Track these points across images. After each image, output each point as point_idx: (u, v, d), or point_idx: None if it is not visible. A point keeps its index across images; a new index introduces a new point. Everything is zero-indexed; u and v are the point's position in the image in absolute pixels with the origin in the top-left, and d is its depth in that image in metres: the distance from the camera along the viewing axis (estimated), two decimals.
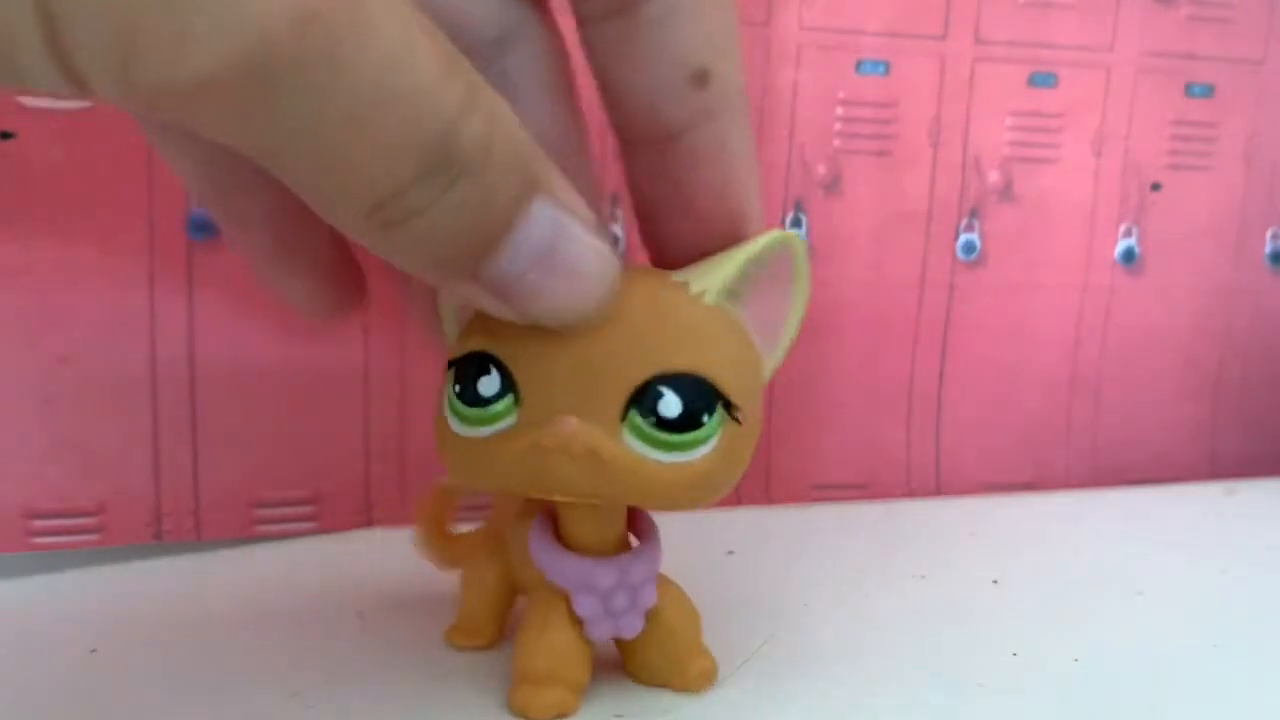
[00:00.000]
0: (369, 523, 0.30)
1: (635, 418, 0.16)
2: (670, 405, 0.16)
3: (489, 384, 0.16)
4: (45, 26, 0.11)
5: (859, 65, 0.32)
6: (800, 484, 0.33)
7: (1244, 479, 0.35)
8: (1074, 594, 0.24)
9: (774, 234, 0.17)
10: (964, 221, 0.33)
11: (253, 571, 0.26)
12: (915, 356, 0.34)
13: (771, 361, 0.18)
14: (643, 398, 0.16)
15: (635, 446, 0.16)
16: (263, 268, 0.20)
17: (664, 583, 0.19)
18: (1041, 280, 0.34)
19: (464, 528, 0.23)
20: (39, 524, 0.27)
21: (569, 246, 0.15)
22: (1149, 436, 0.36)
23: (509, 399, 0.16)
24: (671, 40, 0.16)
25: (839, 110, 0.32)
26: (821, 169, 0.32)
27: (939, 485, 0.34)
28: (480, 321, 0.17)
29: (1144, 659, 0.21)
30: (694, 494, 0.16)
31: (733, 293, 0.17)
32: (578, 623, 0.18)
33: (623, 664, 0.20)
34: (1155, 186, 0.35)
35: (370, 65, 0.12)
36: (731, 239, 0.18)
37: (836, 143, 0.32)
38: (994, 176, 0.33)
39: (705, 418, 0.16)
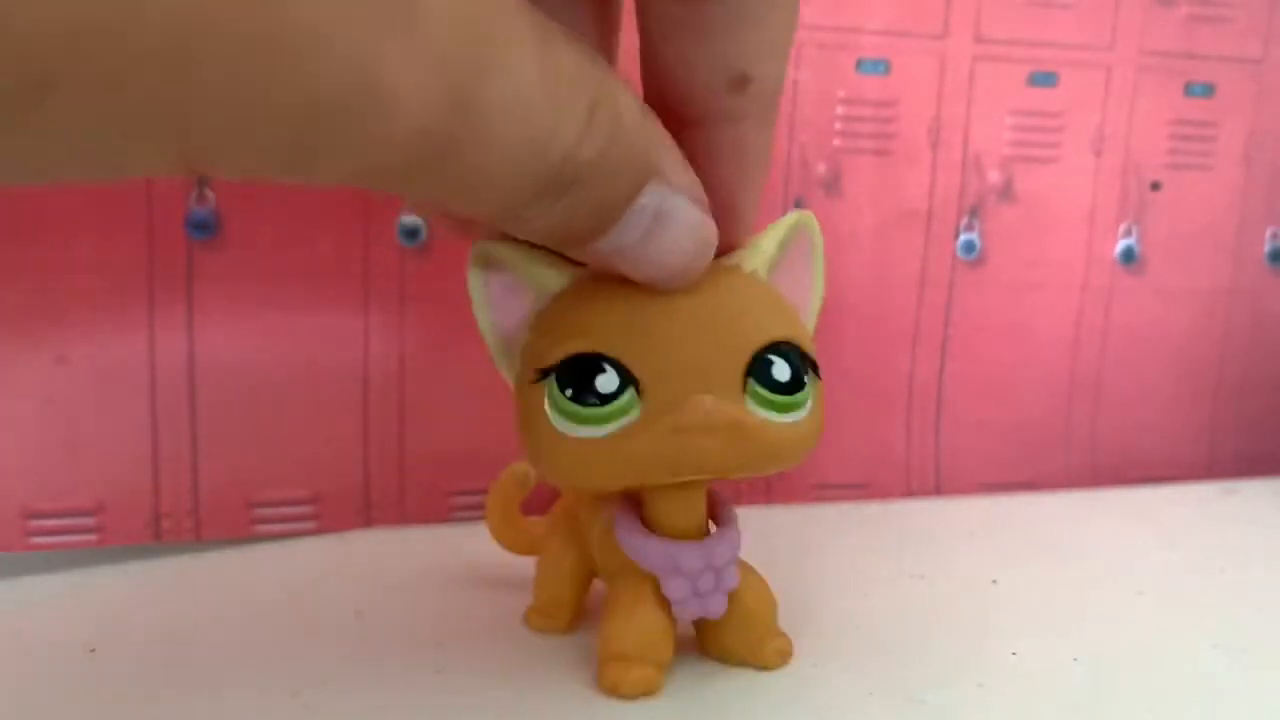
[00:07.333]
0: (368, 523, 0.30)
1: (755, 386, 0.17)
2: (782, 370, 0.17)
3: (607, 381, 0.17)
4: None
5: (859, 64, 0.32)
6: (800, 484, 0.33)
7: (1244, 479, 0.35)
8: (1074, 594, 0.24)
9: (795, 215, 0.19)
10: (964, 221, 0.33)
11: (252, 572, 0.26)
12: (915, 356, 0.33)
13: (808, 328, 0.20)
14: (757, 367, 0.17)
15: (761, 413, 0.17)
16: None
17: (742, 567, 0.20)
18: (1041, 280, 0.34)
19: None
20: (37, 524, 0.27)
21: (672, 222, 0.16)
22: (1149, 436, 0.36)
23: (630, 392, 0.17)
24: (724, 43, 0.16)
25: (839, 109, 0.32)
26: (821, 168, 0.32)
27: (939, 485, 0.34)
28: (569, 323, 0.18)
29: (1144, 659, 0.21)
30: (807, 448, 0.18)
31: (770, 270, 0.19)
32: (664, 604, 0.19)
33: (697, 643, 0.20)
34: (1155, 186, 0.34)
35: (495, 115, 0.13)
36: (720, 230, 0.18)
37: (837, 141, 0.32)
38: (994, 176, 0.33)
39: (805, 378, 0.18)
